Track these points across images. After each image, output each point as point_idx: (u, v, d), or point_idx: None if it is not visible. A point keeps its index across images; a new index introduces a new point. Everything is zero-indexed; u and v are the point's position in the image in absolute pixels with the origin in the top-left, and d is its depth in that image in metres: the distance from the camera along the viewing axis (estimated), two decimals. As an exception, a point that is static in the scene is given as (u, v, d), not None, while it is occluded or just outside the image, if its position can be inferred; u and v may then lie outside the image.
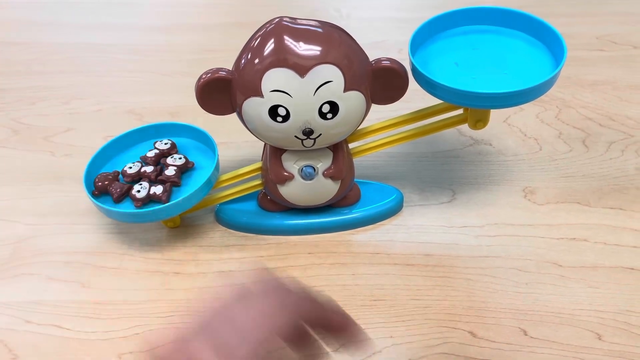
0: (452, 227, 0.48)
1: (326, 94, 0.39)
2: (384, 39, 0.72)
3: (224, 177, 0.47)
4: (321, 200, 0.47)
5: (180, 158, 0.46)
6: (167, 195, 0.44)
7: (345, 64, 0.39)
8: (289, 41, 0.38)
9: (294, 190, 0.46)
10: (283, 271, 0.46)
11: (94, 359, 0.41)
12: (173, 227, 0.50)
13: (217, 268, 0.46)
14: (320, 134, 0.41)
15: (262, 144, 0.47)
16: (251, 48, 0.39)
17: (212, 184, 0.45)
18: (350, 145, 0.47)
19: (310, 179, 0.45)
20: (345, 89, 0.39)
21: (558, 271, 0.44)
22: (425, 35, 0.44)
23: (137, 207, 0.44)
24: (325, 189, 0.46)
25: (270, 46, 0.38)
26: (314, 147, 0.42)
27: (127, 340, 0.42)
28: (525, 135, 0.56)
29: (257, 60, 0.38)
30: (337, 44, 0.39)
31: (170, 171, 0.45)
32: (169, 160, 0.46)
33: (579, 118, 0.57)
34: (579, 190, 0.50)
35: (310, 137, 0.41)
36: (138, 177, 0.46)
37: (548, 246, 0.46)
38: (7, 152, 0.59)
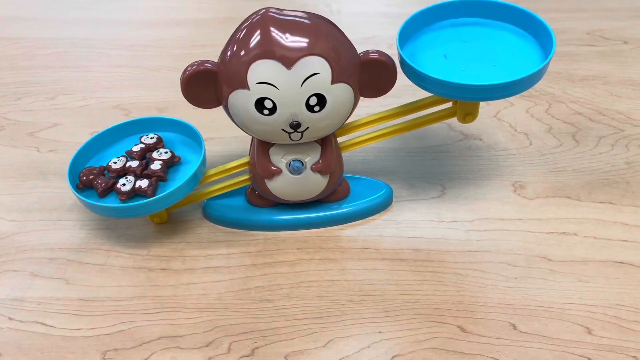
0: (441, 221, 0.48)
1: (313, 86, 0.38)
2: (375, 34, 0.72)
3: (212, 171, 0.47)
4: (310, 195, 0.47)
5: (166, 152, 0.46)
6: (153, 189, 0.43)
7: (332, 56, 0.38)
8: (275, 32, 0.37)
9: (282, 185, 0.45)
10: (271, 267, 0.45)
11: (78, 356, 0.40)
12: (160, 223, 0.49)
13: (204, 264, 0.46)
14: (308, 127, 0.40)
15: (251, 138, 0.46)
16: (237, 40, 0.39)
17: (198, 178, 0.45)
18: (339, 139, 0.47)
19: (299, 174, 0.44)
20: (333, 81, 0.38)
21: (548, 265, 0.44)
22: (414, 28, 0.44)
23: (122, 201, 0.43)
24: (314, 183, 0.46)
25: (256, 38, 0.38)
26: (301, 141, 0.42)
27: (111, 338, 0.41)
28: (515, 130, 0.56)
29: (243, 52, 0.38)
30: (324, 35, 0.38)
31: (156, 165, 0.44)
32: (155, 154, 0.46)
33: (569, 113, 0.57)
34: (568, 185, 0.50)
35: (298, 130, 0.40)
36: (123, 172, 0.45)
37: (538, 240, 0.46)
38: (-8, 147, 0.58)
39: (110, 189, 0.44)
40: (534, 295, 0.42)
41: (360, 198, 0.49)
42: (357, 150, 0.48)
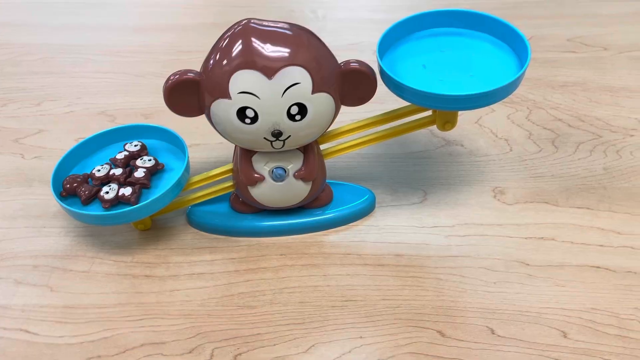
0: (423, 227, 0.49)
1: (294, 96, 0.39)
2: (360, 41, 0.72)
3: (195, 178, 0.47)
4: (293, 202, 0.47)
5: (150, 160, 0.46)
6: (136, 197, 0.44)
7: (313, 66, 0.39)
8: (256, 43, 0.38)
9: (265, 192, 0.46)
10: (255, 273, 0.46)
11: (61, 363, 0.40)
12: (144, 229, 0.49)
13: (188, 270, 0.46)
14: (290, 136, 0.41)
15: (234, 146, 0.47)
16: (219, 49, 0.39)
17: (182, 185, 0.45)
18: (322, 147, 0.47)
19: (281, 181, 0.45)
20: (314, 91, 0.39)
21: (526, 270, 0.45)
22: (394, 38, 0.44)
23: (106, 208, 0.43)
24: (297, 190, 0.46)
25: (237, 48, 0.38)
26: (284, 149, 0.42)
27: (95, 345, 0.41)
28: (496, 136, 0.57)
29: (224, 62, 0.38)
30: (305, 46, 0.39)
31: (139, 173, 0.45)
32: (139, 162, 0.46)
33: (549, 119, 0.58)
34: (547, 190, 0.51)
35: (280, 138, 0.41)
36: (107, 180, 0.45)
37: (516, 245, 0.47)
38: (-24, 154, 0.58)
39: (93, 197, 0.45)
40: (512, 299, 0.43)
41: (343, 204, 0.50)
42: (340, 156, 0.49)
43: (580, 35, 0.70)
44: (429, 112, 0.46)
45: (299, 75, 0.38)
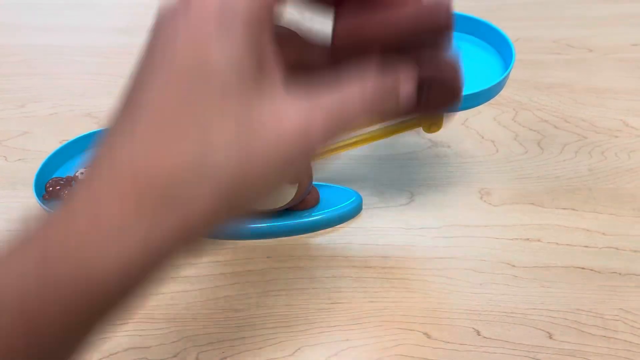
0: (410, 228, 0.49)
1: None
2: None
3: (180, 181, 0.47)
4: (279, 204, 0.47)
5: (134, 162, 0.45)
6: (120, 200, 0.43)
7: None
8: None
9: (251, 194, 0.46)
10: (241, 276, 0.46)
11: (43, 369, 0.40)
12: (129, 232, 0.49)
13: (173, 274, 0.46)
14: (275, 138, 0.41)
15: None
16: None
17: (166, 188, 0.45)
18: (308, 149, 0.47)
19: (267, 183, 0.45)
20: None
21: (512, 271, 0.45)
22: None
23: (89, 213, 0.43)
24: (283, 192, 0.46)
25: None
26: (269, 151, 0.42)
27: (78, 349, 0.41)
28: (483, 137, 0.57)
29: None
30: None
31: (123, 176, 0.44)
32: (123, 164, 0.45)
33: (535, 120, 0.59)
34: (533, 192, 0.51)
35: (264, 140, 0.41)
36: (91, 182, 0.45)
37: (502, 247, 0.47)
38: (-42, 157, 0.57)
39: (77, 200, 0.44)
40: (498, 301, 0.43)
41: (329, 206, 0.50)
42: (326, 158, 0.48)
43: (566, 37, 0.70)
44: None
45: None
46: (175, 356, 0.40)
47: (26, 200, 0.52)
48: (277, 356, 0.40)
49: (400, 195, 0.52)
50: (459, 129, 0.58)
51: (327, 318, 0.43)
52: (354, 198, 0.50)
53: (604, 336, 0.40)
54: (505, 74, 0.39)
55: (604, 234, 0.47)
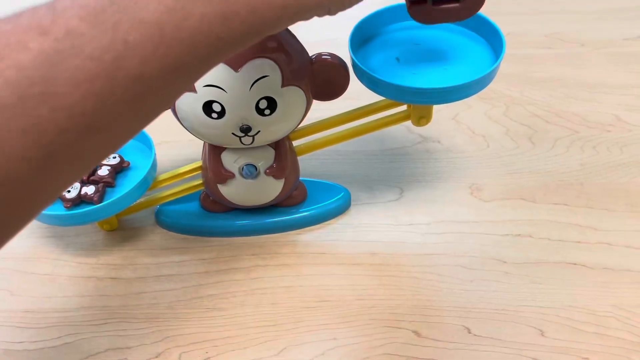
0: (399, 225, 0.48)
1: (262, 89, 0.37)
2: (337, 36, 0.71)
3: (163, 176, 0.45)
4: (264, 200, 0.46)
5: (114, 157, 0.44)
6: (100, 195, 0.42)
7: (282, 58, 0.37)
8: (222, 34, 0.36)
9: (236, 190, 0.44)
10: (226, 274, 0.44)
11: (20, 371, 0.39)
12: (110, 230, 0.47)
13: (156, 272, 0.45)
14: (259, 131, 0.40)
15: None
16: (184, 41, 0.38)
17: (148, 184, 0.44)
18: (295, 143, 0.46)
19: (252, 178, 0.44)
20: (283, 84, 0.38)
21: (502, 268, 0.44)
22: (367, 31, 0.43)
23: (67, 208, 0.41)
24: (268, 188, 0.45)
25: (203, 39, 0.37)
26: (253, 145, 0.41)
27: (56, 350, 0.40)
28: (474, 132, 0.56)
29: (190, 54, 0.37)
30: (273, 37, 0.37)
31: (103, 171, 0.43)
32: (103, 159, 0.44)
33: (527, 115, 0.58)
34: (524, 187, 0.50)
35: (249, 134, 0.39)
36: (70, 178, 0.43)
37: (493, 243, 0.46)
38: None
39: (55, 196, 0.43)
40: (489, 297, 0.42)
41: (317, 202, 0.48)
42: (314, 153, 0.47)
43: (557, 31, 0.69)
44: (403, 107, 0.45)
45: (268, 67, 0.37)
46: (156, 357, 0.39)
47: (4, 197, 0.50)
48: (263, 356, 0.39)
49: (389, 191, 0.51)
50: (449, 123, 0.57)
51: (314, 316, 0.41)
52: (342, 194, 0.49)
53: (597, 333, 0.40)
54: (496, 64, 0.38)
55: (596, 229, 0.46)
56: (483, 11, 0.43)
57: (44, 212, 0.42)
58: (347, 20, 0.76)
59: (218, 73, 0.36)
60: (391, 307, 0.42)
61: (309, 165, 0.52)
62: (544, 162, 0.53)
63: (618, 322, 0.40)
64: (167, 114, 0.40)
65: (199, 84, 0.37)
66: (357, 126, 0.46)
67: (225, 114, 0.38)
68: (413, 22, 0.36)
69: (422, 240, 0.46)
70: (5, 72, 0.19)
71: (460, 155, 0.54)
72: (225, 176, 0.43)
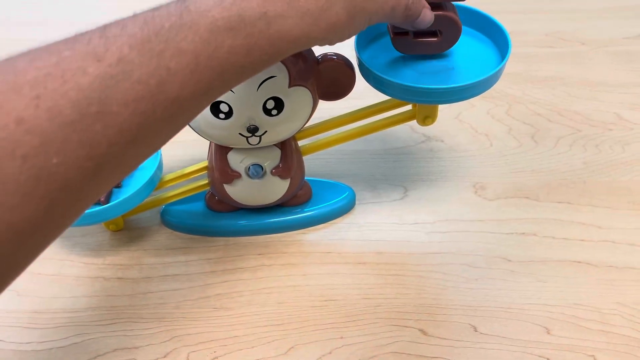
0: (403, 224, 0.48)
1: (270, 90, 0.38)
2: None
3: (169, 176, 0.46)
4: (270, 200, 0.46)
5: (121, 158, 0.44)
6: (107, 196, 0.42)
7: (289, 58, 0.37)
8: (230, 35, 0.37)
9: (242, 190, 0.45)
10: (232, 274, 0.45)
11: (28, 371, 0.39)
12: (116, 230, 0.47)
13: (162, 272, 0.45)
14: (266, 131, 0.40)
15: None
16: (191, 42, 0.38)
17: (154, 184, 0.44)
18: (301, 143, 0.46)
19: (258, 178, 0.44)
20: (290, 85, 0.38)
21: (508, 266, 0.44)
22: (373, 31, 0.43)
23: (74, 210, 0.42)
24: (274, 188, 0.45)
25: (210, 40, 0.37)
26: (260, 145, 0.41)
27: (64, 351, 0.40)
28: (477, 131, 0.56)
29: (197, 55, 0.37)
30: (280, 38, 0.38)
31: (110, 172, 0.43)
32: (109, 160, 0.44)
33: (529, 114, 0.58)
34: (528, 185, 0.51)
35: (255, 134, 0.40)
36: (76, 179, 0.44)
37: (498, 241, 0.46)
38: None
39: (62, 197, 0.43)
40: (494, 296, 0.42)
41: (322, 202, 0.49)
42: (319, 153, 0.47)
43: (558, 30, 0.70)
44: (409, 107, 0.45)
45: (275, 68, 0.37)
46: (165, 356, 0.39)
47: (10, 198, 0.50)
48: (270, 355, 0.39)
49: (393, 190, 0.51)
50: (452, 122, 0.57)
51: (321, 315, 0.42)
52: (347, 193, 0.49)
53: (602, 330, 0.40)
54: (502, 64, 0.38)
55: (599, 227, 0.47)
56: (485, 10, 0.43)
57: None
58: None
59: (226, 74, 0.36)
60: (397, 305, 0.42)
61: (313, 165, 0.52)
62: (547, 160, 0.53)
63: (623, 319, 0.40)
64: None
65: (206, 85, 0.37)
66: (361, 126, 0.46)
67: (233, 114, 0.38)
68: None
69: (427, 239, 0.47)
70: (69, 93, 0.22)
71: (463, 154, 0.54)
72: (232, 176, 0.43)
